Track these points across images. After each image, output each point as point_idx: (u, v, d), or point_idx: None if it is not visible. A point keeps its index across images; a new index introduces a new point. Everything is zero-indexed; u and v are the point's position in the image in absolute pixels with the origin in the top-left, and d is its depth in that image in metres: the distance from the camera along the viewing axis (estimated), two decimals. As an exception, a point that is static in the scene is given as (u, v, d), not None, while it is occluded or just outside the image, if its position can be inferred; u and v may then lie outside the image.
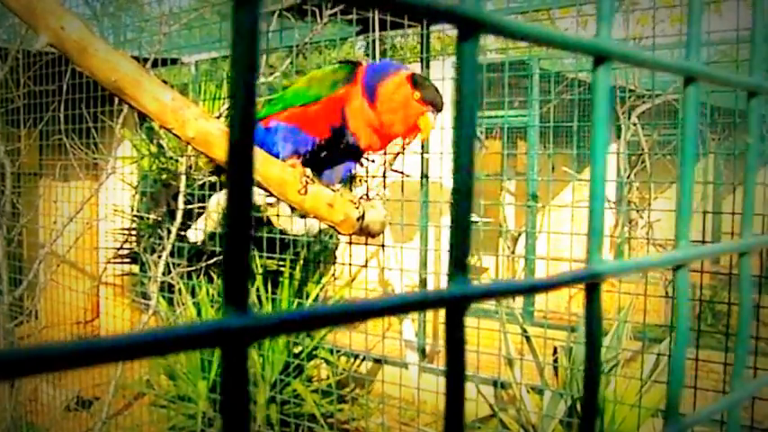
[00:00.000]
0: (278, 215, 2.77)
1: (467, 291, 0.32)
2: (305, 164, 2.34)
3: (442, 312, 0.33)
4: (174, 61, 6.03)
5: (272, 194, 2.30)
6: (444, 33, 6.25)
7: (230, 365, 0.26)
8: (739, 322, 0.57)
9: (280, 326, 0.26)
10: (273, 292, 4.57)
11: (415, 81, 2.27)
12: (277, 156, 2.38)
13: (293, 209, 2.38)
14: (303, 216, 2.44)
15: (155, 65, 4.69)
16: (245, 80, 0.25)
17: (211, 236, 4.60)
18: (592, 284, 0.40)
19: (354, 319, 0.29)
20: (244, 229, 0.26)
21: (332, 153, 2.40)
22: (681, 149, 0.47)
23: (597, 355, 0.41)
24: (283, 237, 4.39)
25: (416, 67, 4.84)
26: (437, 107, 2.21)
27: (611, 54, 0.39)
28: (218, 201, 4.00)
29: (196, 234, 4.35)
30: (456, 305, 0.32)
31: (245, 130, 0.25)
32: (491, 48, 6.44)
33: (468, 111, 0.31)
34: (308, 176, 2.29)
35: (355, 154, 2.44)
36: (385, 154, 3.69)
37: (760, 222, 3.25)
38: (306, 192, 2.27)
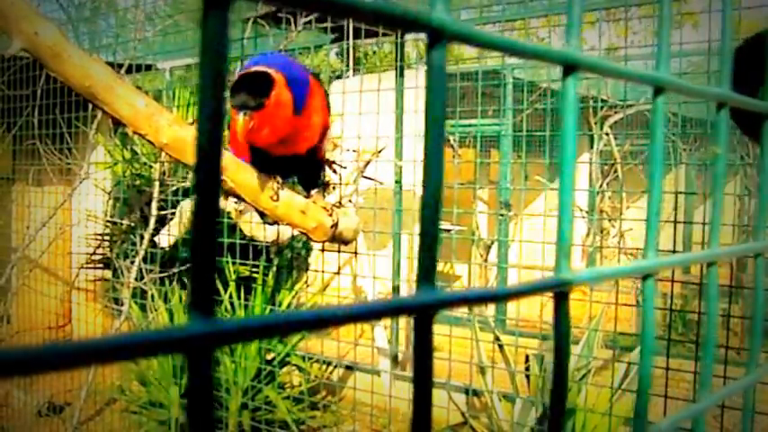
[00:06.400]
0: (249, 222, 2.76)
1: (435, 298, 0.32)
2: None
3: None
4: (148, 67, 6.00)
5: (244, 201, 2.29)
6: (421, 42, 6.26)
7: (195, 371, 0.25)
8: (707, 331, 0.58)
9: (245, 332, 0.26)
10: (246, 299, 4.55)
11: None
12: None
13: (265, 215, 2.37)
14: (273, 223, 2.42)
15: (129, 71, 4.66)
16: (212, 84, 0.25)
17: (184, 241, 4.59)
18: (560, 293, 0.40)
19: (322, 326, 0.29)
20: (209, 236, 0.26)
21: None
22: (650, 159, 0.48)
23: (566, 363, 0.42)
24: (256, 243, 4.37)
25: (391, 76, 4.86)
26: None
27: (579, 63, 0.39)
28: (186, 207, 4.00)
29: (168, 239, 4.33)
30: (424, 312, 0.32)
31: (212, 135, 0.25)
32: (465, 57, 6.46)
33: (437, 118, 0.31)
34: (278, 182, 2.28)
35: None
36: (357, 161, 3.69)
37: (730, 232, 3.28)
38: (277, 198, 2.26)
